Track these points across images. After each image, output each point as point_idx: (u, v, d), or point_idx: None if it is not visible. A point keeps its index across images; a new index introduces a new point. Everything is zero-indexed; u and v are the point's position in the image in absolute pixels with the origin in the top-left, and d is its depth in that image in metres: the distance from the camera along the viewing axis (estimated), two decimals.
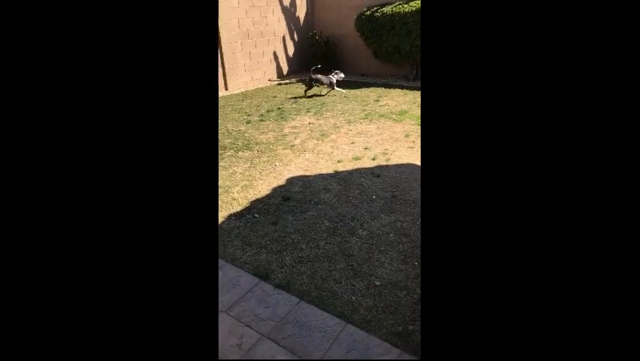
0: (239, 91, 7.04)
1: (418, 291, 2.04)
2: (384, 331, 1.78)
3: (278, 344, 1.71)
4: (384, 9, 6.78)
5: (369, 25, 7.02)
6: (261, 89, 7.16)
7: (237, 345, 1.70)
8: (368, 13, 6.99)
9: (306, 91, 6.40)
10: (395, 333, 1.77)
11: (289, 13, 7.88)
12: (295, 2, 7.94)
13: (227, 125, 5.04)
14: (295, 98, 6.35)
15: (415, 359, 1.59)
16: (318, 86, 6.37)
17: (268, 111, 5.65)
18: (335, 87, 6.45)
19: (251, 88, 7.25)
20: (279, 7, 7.64)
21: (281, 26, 7.78)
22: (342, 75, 6.51)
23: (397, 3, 6.78)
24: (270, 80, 7.83)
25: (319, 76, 6.29)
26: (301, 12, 8.14)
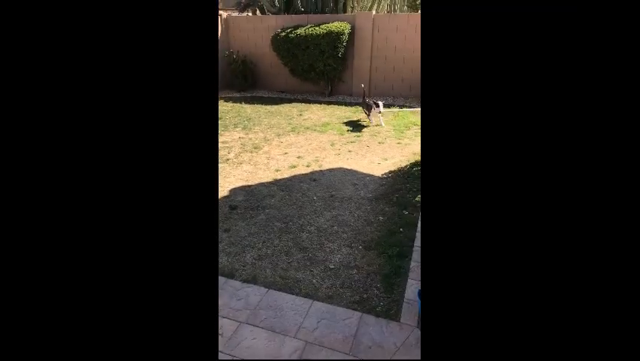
0: None
1: (366, 268, 2.42)
2: (344, 302, 2.11)
3: (257, 326, 1.91)
4: (298, 30, 7.33)
5: (285, 46, 7.49)
6: None
7: (220, 334, 1.86)
8: (283, 34, 7.46)
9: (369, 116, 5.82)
10: (354, 301, 2.11)
11: None
12: None
13: None
14: (220, 114, 6.45)
15: (413, 358, 1.83)
16: (367, 113, 5.82)
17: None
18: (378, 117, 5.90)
19: None
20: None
21: None
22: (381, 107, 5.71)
23: (309, 25, 7.39)
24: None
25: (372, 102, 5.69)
26: (217, 32, 8.27)
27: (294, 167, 4.18)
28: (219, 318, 1.97)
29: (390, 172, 4.01)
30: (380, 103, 5.74)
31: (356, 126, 5.76)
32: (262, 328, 1.91)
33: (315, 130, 5.61)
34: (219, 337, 1.84)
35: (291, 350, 1.77)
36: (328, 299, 2.13)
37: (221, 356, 1.73)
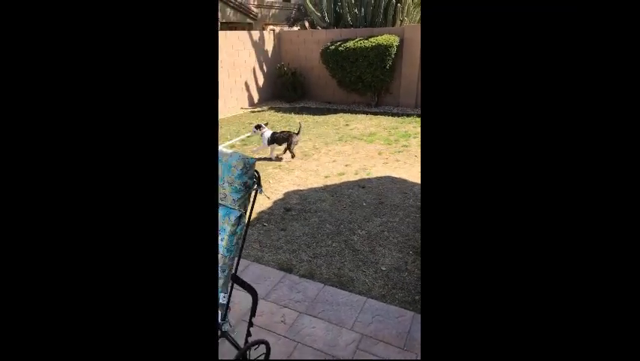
0: None
1: (417, 272, 2.50)
2: (397, 301, 2.21)
3: (315, 317, 2.07)
4: (347, 44, 7.56)
5: (334, 58, 7.76)
6: (236, 116, 7.53)
7: (282, 321, 2.04)
8: (332, 47, 7.74)
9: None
10: (406, 302, 2.20)
11: (259, 47, 8.45)
12: (264, 37, 8.54)
13: None
14: (270, 123, 6.80)
15: (416, 359, 1.88)
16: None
17: (248, 136, 6.03)
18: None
19: (227, 115, 7.60)
20: (250, 42, 8.19)
21: (251, 59, 8.31)
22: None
23: (358, 39, 7.60)
24: (242, 108, 8.23)
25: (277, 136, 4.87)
26: (269, 46, 8.75)
27: (343, 174, 4.33)
28: (280, 308, 2.14)
29: None
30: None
31: (403, 136, 5.83)
32: (320, 319, 2.05)
33: (362, 139, 5.75)
34: (282, 323, 2.02)
35: (349, 340, 1.90)
36: (381, 298, 2.24)
37: (283, 342, 1.90)
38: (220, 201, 1.48)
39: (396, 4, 7.87)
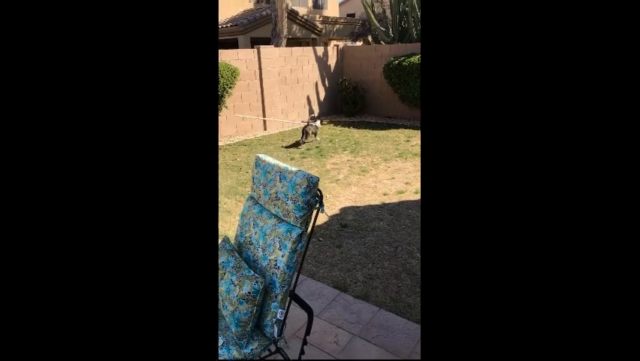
0: (277, 131, 7.63)
1: None
2: None
3: (369, 342, 1.99)
4: (411, 59, 7.44)
5: (397, 73, 7.67)
6: (297, 129, 7.73)
7: (335, 342, 1.99)
8: (396, 62, 7.66)
9: (302, 140, 6.43)
10: None
11: (322, 61, 8.65)
12: (327, 52, 8.73)
13: None
14: (330, 137, 6.87)
15: (414, 359, 1.79)
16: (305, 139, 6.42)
17: (307, 149, 6.14)
18: (315, 137, 6.57)
19: (287, 128, 7.83)
20: (314, 57, 8.41)
21: (314, 73, 8.52)
22: (317, 123, 6.61)
23: None
24: (303, 122, 8.43)
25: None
26: (332, 61, 8.91)
27: (402, 192, 4.21)
28: (334, 328, 2.10)
29: None
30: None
31: None
32: (374, 344, 1.98)
33: None
34: (335, 344, 1.97)
35: None
36: None
37: None
38: (283, 218, 1.50)
39: None
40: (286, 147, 6.33)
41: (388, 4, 9.02)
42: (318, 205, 1.44)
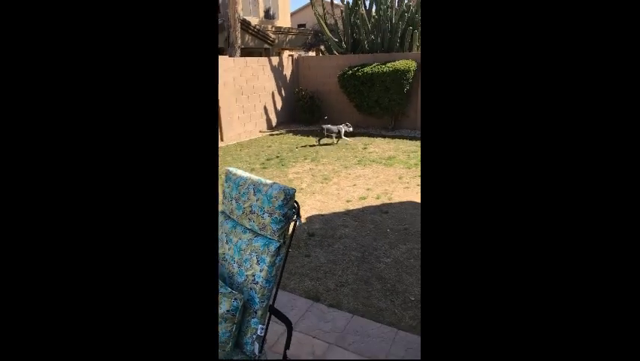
0: (234, 142, 7.50)
1: None
2: None
3: (346, 349, 2.01)
4: (365, 69, 7.70)
5: (352, 82, 7.89)
6: (255, 140, 7.65)
7: (312, 353, 1.99)
8: (350, 72, 7.88)
9: (318, 140, 7.06)
10: None
11: (277, 71, 8.67)
12: (282, 62, 8.78)
13: None
14: (289, 147, 6.88)
15: (416, 359, 1.85)
16: (329, 136, 7.09)
17: (268, 159, 6.10)
18: (342, 136, 7.15)
19: (245, 139, 7.73)
20: (269, 67, 8.41)
21: (270, 83, 8.52)
22: (350, 128, 7.28)
23: (375, 64, 7.73)
24: (260, 132, 8.37)
25: (329, 126, 7.02)
26: (287, 71, 8.97)
27: (364, 198, 4.32)
28: (310, 338, 2.10)
29: None
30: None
31: None
32: (351, 351, 2.00)
33: (380, 163, 5.75)
34: (312, 356, 1.97)
35: None
36: (412, 329, 2.18)
37: None
38: (259, 232, 1.49)
39: (413, 31, 8.02)
40: (263, 164, 6.23)
41: (340, 15, 9.28)
42: (295, 217, 1.45)
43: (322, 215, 3.90)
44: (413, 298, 2.48)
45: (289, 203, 1.42)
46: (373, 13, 8.54)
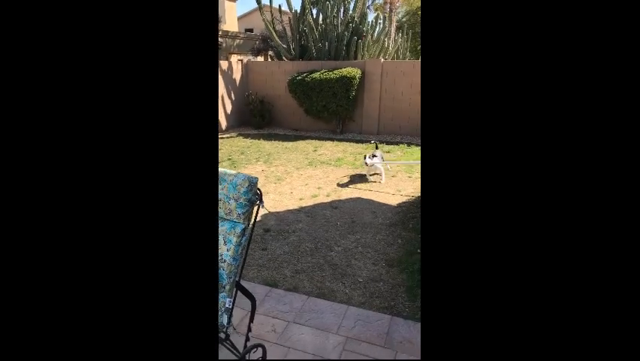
0: None
1: (391, 281, 2.76)
2: (375, 307, 2.45)
3: (303, 325, 2.24)
4: (313, 75, 8.04)
5: (301, 88, 8.18)
6: None
7: (273, 330, 2.19)
8: (299, 78, 8.17)
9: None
10: (384, 307, 2.45)
11: (227, 76, 8.71)
12: (232, 66, 8.83)
13: None
14: (240, 149, 6.98)
15: (414, 359, 2.13)
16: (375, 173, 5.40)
17: (220, 161, 6.16)
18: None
19: None
20: (219, 71, 8.43)
21: (220, 87, 8.52)
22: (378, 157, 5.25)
23: (323, 70, 8.10)
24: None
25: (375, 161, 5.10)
26: (237, 75, 9.04)
27: (316, 196, 4.59)
28: (270, 318, 2.30)
29: (405, 202, 4.41)
30: (377, 155, 4.98)
31: None
32: (308, 326, 2.23)
33: (330, 164, 6.08)
34: (273, 332, 2.17)
35: (335, 343, 2.09)
36: (361, 305, 2.47)
37: (275, 349, 2.05)
38: (226, 216, 1.68)
39: (357, 40, 8.52)
40: None
41: (288, 22, 9.56)
42: (258, 202, 1.66)
43: (277, 212, 4.10)
44: (361, 280, 2.78)
45: (253, 190, 1.63)
46: (320, 22, 8.93)
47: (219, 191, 1.69)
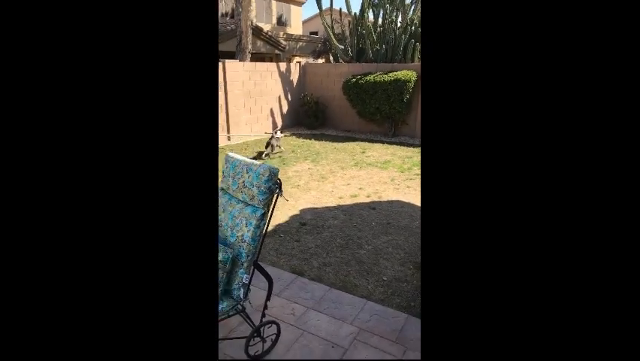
0: (241, 141, 7.92)
1: (415, 283, 2.77)
2: (394, 305, 2.49)
3: (321, 312, 2.37)
4: (368, 77, 8.10)
5: (355, 90, 8.29)
6: (260, 140, 8.07)
7: (291, 313, 2.35)
8: (354, 80, 8.28)
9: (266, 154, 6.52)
10: (402, 306, 2.48)
11: (285, 77, 9.11)
12: (290, 68, 9.22)
13: None
14: (292, 148, 7.28)
15: (416, 359, 2.15)
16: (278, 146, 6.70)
17: (270, 158, 6.50)
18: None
19: (251, 139, 8.15)
20: (277, 72, 8.86)
21: (277, 88, 8.95)
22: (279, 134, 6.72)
23: (378, 73, 8.13)
24: (266, 133, 8.78)
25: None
26: (294, 76, 9.40)
27: (356, 196, 4.68)
28: (291, 303, 2.46)
29: None
30: None
31: (416, 165, 6.15)
32: (325, 314, 2.35)
33: (376, 166, 6.11)
34: (292, 315, 2.33)
35: (348, 332, 2.19)
36: (380, 301, 2.52)
37: (291, 330, 2.20)
38: (249, 202, 1.87)
39: (415, 43, 8.41)
40: (251, 158, 6.63)
41: (347, 25, 9.72)
42: (277, 190, 1.82)
43: (315, 208, 4.26)
44: (385, 278, 2.83)
45: (273, 179, 1.80)
46: (379, 24, 8.96)
47: (245, 179, 1.88)
